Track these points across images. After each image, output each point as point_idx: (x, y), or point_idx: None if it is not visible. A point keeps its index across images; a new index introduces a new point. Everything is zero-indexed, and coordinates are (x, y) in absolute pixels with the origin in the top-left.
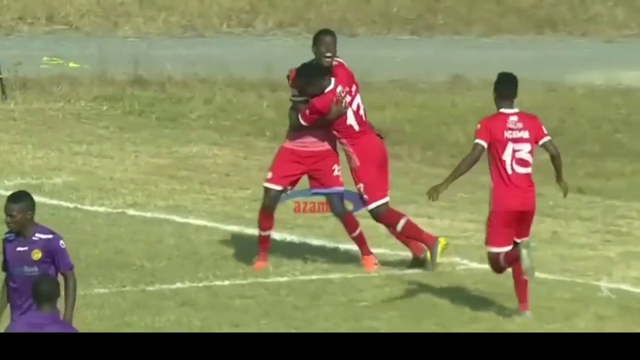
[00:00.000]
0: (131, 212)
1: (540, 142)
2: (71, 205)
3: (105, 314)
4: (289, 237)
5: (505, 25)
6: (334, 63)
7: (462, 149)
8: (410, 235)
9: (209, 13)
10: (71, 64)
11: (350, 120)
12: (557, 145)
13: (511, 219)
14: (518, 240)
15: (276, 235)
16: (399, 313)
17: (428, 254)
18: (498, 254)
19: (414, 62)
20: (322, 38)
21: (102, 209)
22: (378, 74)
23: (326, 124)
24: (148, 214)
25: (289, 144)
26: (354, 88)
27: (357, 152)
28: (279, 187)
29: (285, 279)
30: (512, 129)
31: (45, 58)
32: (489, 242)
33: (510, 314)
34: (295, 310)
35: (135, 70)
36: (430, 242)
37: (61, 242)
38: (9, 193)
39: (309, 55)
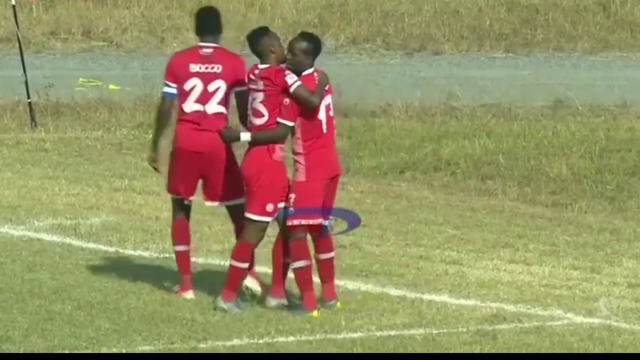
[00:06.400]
0: None
1: None
2: (111, 249)
3: None
4: (363, 286)
5: (615, 41)
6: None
7: (565, 184)
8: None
9: (271, 27)
10: (111, 86)
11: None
12: None
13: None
14: None
15: (349, 284)
16: None
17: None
18: None
19: (509, 84)
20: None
21: (146, 254)
22: (467, 98)
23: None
24: (200, 260)
25: None
26: None
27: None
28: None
29: (358, 334)
30: None
31: (81, 79)
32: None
33: None
34: None
35: None
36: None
37: None
38: (39, 235)
39: (386, 75)
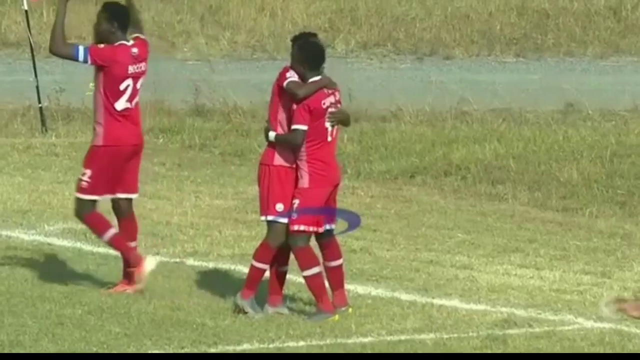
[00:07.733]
0: (191, 261)
1: None
2: None
3: None
4: (374, 290)
5: (626, 46)
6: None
7: (575, 189)
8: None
9: (281, 32)
10: None
11: None
12: None
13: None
14: None
15: (359, 288)
16: None
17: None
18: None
19: (520, 89)
20: None
21: (157, 259)
22: (477, 102)
23: None
24: (210, 264)
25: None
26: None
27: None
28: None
29: (369, 339)
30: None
31: (91, 84)
32: None
33: None
34: None
35: (195, 98)
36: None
37: None
38: (50, 240)
39: (396, 79)
